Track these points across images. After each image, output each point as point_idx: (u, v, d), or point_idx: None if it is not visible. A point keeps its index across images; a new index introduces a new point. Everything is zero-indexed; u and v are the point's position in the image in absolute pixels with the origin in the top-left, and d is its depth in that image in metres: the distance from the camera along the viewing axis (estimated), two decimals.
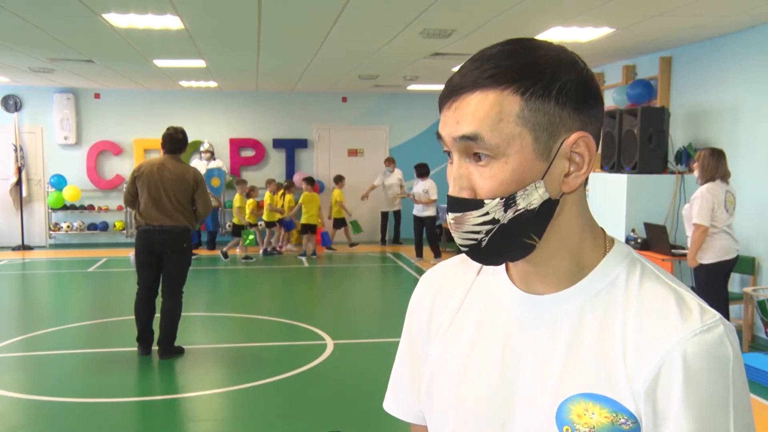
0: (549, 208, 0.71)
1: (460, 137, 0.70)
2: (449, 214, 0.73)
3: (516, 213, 0.70)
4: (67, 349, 4.80)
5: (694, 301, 0.70)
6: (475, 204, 0.70)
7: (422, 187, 8.36)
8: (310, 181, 8.89)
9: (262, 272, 8.10)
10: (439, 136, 0.74)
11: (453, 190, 0.71)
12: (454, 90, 0.71)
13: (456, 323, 0.83)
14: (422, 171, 8.44)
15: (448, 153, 0.73)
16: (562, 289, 0.75)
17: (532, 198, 0.70)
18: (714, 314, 0.69)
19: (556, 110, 0.69)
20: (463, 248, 0.73)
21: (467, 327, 0.81)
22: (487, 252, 0.72)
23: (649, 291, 0.72)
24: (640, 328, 0.69)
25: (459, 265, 0.87)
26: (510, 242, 0.71)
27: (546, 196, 0.70)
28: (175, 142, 4.53)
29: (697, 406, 0.65)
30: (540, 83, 0.68)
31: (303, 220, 8.76)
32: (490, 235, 0.71)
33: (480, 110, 0.69)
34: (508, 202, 0.69)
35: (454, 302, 0.84)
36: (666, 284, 0.72)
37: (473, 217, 0.71)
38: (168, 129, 4.58)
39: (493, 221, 0.70)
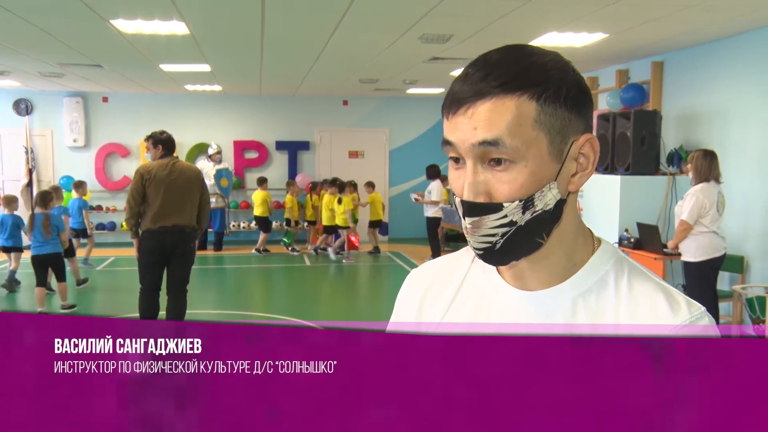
0: (560, 207, 0.74)
1: (479, 143, 0.70)
2: (466, 218, 0.73)
3: (534, 214, 0.72)
4: None
5: (681, 296, 0.75)
6: (494, 208, 0.71)
7: (428, 187, 8.55)
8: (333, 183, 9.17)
9: (263, 271, 8.24)
10: (446, 143, 0.74)
11: (468, 196, 0.72)
12: (466, 97, 0.71)
13: (447, 320, 0.84)
14: (431, 172, 8.62)
15: (455, 159, 0.74)
16: (554, 285, 0.77)
17: (547, 199, 0.72)
18: (699, 307, 0.74)
19: (565, 113, 0.72)
20: (477, 251, 0.75)
21: (459, 325, 0.82)
22: (500, 253, 0.74)
23: (639, 287, 0.76)
24: (633, 322, 0.73)
25: (447, 264, 0.89)
26: (523, 242, 0.73)
27: (559, 196, 0.73)
28: (173, 142, 4.64)
29: None
30: (551, 88, 0.71)
31: (326, 222, 8.94)
32: (505, 237, 0.72)
33: (498, 116, 0.70)
34: (527, 204, 0.71)
35: (445, 300, 0.85)
36: (653, 281, 0.76)
37: (491, 221, 0.72)
38: (162, 133, 4.58)
39: (511, 223, 0.72)
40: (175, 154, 4.72)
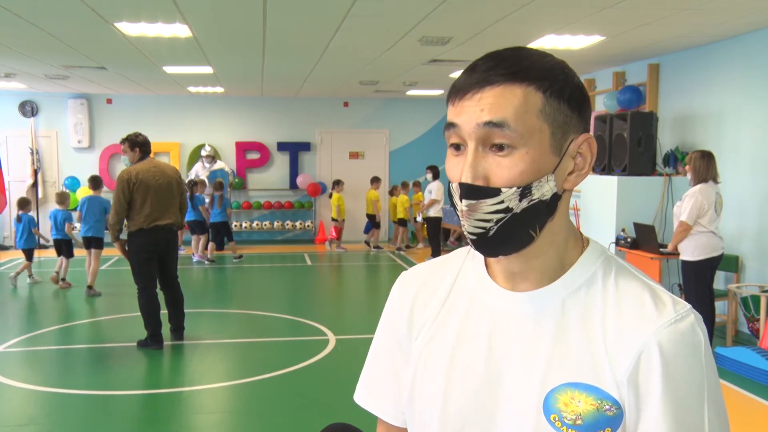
0: (555, 201, 0.75)
1: (485, 123, 0.71)
2: (463, 201, 0.73)
3: (530, 203, 0.72)
4: (79, 344, 5.01)
5: (667, 294, 0.75)
6: (492, 192, 0.71)
7: (428, 187, 8.63)
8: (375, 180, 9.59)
9: (265, 271, 8.31)
10: (450, 126, 0.74)
11: (467, 178, 0.72)
12: (476, 82, 0.72)
13: (439, 322, 0.84)
14: (435, 173, 8.77)
15: (455, 146, 0.74)
16: (545, 285, 0.78)
17: (544, 189, 0.72)
18: (685, 305, 0.74)
19: (568, 111, 0.73)
20: (470, 236, 0.75)
21: (450, 326, 0.83)
22: (492, 241, 0.74)
23: (626, 286, 0.76)
24: (620, 320, 0.73)
25: (437, 267, 0.89)
26: (516, 232, 0.73)
27: (555, 189, 0.74)
28: (149, 144, 4.77)
29: (676, 388, 0.70)
30: (556, 85, 0.73)
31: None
32: (499, 224, 0.72)
33: (506, 100, 0.71)
34: (524, 191, 0.71)
35: (436, 302, 0.85)
36: (640, 280, 0.77)
37: (487, 205, 0.72)
38: (138, 135, 4.69)
39: (506, 210, 0.72)
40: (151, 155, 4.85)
